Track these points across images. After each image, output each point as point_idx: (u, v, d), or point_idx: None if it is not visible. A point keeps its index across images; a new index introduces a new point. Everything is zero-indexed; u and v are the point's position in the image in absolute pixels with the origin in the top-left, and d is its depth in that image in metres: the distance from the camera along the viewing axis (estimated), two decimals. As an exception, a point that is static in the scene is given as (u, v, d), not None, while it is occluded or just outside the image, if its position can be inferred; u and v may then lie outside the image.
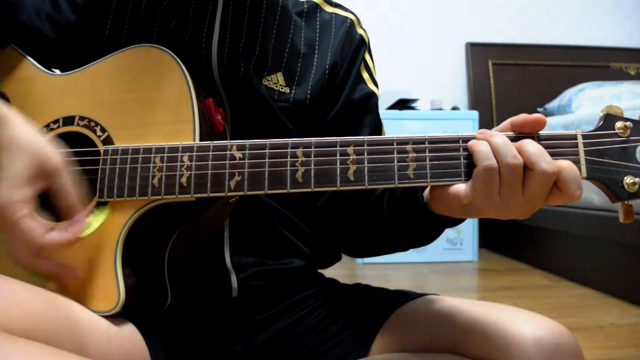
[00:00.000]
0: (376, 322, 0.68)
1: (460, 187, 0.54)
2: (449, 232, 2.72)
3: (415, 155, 0.55)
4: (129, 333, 0.60)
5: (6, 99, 0.66)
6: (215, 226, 0.69)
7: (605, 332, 1.54)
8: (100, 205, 0.60)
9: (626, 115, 0.55)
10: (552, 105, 3.03)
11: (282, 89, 0.74)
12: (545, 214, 2.38)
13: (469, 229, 2.79)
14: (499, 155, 0.51)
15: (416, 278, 2.41)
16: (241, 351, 0.70)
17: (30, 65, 0.67)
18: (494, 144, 0.52)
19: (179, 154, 0.58)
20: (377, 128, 0.79)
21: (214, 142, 0.59)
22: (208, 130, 0.62)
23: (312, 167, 0.56)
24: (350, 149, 0.56)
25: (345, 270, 2.49)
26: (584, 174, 0.53)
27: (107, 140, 0.62)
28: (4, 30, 0.67)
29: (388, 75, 2.68)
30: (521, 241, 2.80)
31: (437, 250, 2.75)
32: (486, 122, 3.08)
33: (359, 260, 2.71)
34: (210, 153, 0.58)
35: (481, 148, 0.52)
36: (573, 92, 2.93)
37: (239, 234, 0.71)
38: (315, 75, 0.76)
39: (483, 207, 0.53)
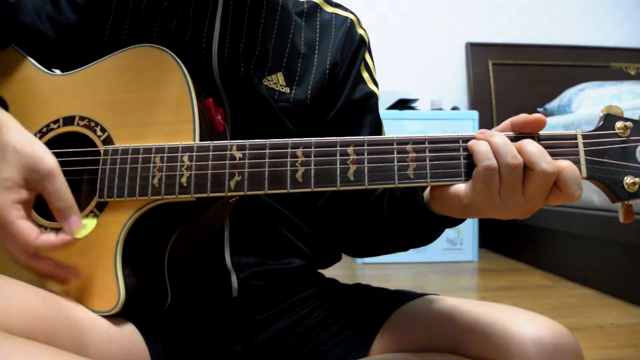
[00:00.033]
0: (376, 322, 0.68)
1: (460, 187, 0.54)
2: (449, 232, 2.72)
3: (415, 155, 0.55)
4: (129, 333, 0.60)
5: (4, 102, 0.66)
6: (215, 226, 0.69)
7: (605, 332, 1.54)
8: (100, 205, 0.60)
9: (626, 115, 0.55)
10: (552, 105, 3.03)
11: (282, 89, 0.74)
12: (545, 214, 2.38)
13: (469, 229, 2.79)
14: (499, 155, 0.51)
15: (416, 278, 2.41)
16: (241, 351, 0.70)
17: (31, 66, 0.67)
18: (494, 144, 0.52)
19: (179, 154, 0.58)
20: (377, 128, 0.79)
21: (214, 142, 0.59)
22: (208, 130, 0.62)
23: (312, 167, 0.56)
24: (350, 149, 0.56)
25: (345, 270, 2.49)
26: (584, 174, 0.53)
27: (107, 140, 0.62)
28: (5, 31, 0.67)
29: (388, 75, 2.68)
30: (521, 241, 2.80)
31: (437, 250, 2.75)
32: (486, 122, 3.08)
33: (359, 260, 2.71)
34: (210, 153, 0.58)
35: (481, 148, 0.52)
36: (573, 92, 2.93)
37: (239, 234, 0.71)
38: (316, 75, 0.76)
39: (483, 207, 0.53)
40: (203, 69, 0.70)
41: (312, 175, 0.56)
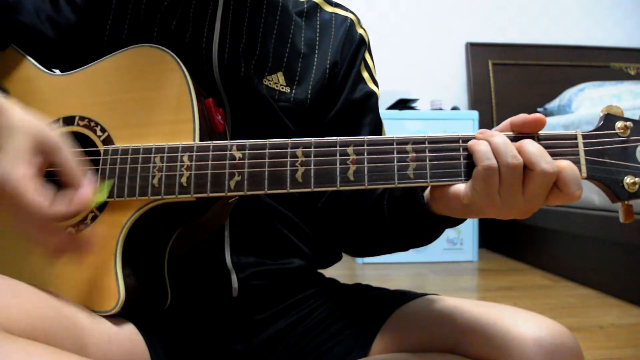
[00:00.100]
0: (376, 322, 0.68)
1: (460, 187, 0.54)
2: (449, 232, 2.72)
3: (415, 155, 0.55)
4: (129, 333, 0.60)
5: (6, 92, 0.66)
6: (215, 226, 0.69)
7: (605, 332, 1.54)
8: (100, 205, 0.60)
9: (626, 115, 0.55)
10: (552, 105, 3.03)
11: (282, 88, 0.74)
12: (545, 214, 2.38)
13: (469, 229, 2.79)
14: (498, 155, 0.51)
15: (416, 278, 2.41)
16: (241, 351, 0.70)
17: (31, 66, 0.67)
18: (494, 143, 0.52)
19: (179, 154, 0.58)
20: (377, 128, 0.79)
21: (214, 142, 0.59)
22: (208, 130, 0.62)
23: (312, 167, 0.56)
24: (350, 149, 0.56)
25: (345, 270, 2.49)
26: (584, 174, 0.53)
27: (107, 140, 0.62)
28: (5, 31, 0.67)
29: (388, 75, 2.67)
30: (521, 241, 2.79)
31: (437, 250, 2.75)
32: (486, 122, 3.08)
33: (359, 260, 2.71)
34: (210, 153, 0.58)
35: (481, 148, 0.52)
36: (573, 92, 2.93)
37: (239, 234, 0.71)
38: (316, 75, 0.76)
39: (483, 207, 0.53)
40: (203, 69, 0.70)
41: (312, 175, 0.56)
